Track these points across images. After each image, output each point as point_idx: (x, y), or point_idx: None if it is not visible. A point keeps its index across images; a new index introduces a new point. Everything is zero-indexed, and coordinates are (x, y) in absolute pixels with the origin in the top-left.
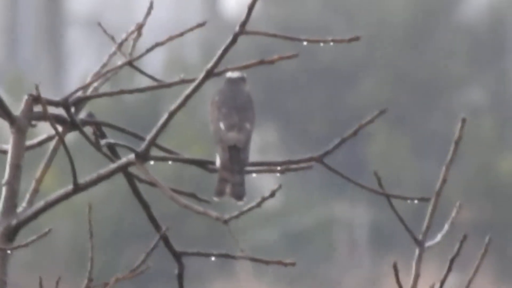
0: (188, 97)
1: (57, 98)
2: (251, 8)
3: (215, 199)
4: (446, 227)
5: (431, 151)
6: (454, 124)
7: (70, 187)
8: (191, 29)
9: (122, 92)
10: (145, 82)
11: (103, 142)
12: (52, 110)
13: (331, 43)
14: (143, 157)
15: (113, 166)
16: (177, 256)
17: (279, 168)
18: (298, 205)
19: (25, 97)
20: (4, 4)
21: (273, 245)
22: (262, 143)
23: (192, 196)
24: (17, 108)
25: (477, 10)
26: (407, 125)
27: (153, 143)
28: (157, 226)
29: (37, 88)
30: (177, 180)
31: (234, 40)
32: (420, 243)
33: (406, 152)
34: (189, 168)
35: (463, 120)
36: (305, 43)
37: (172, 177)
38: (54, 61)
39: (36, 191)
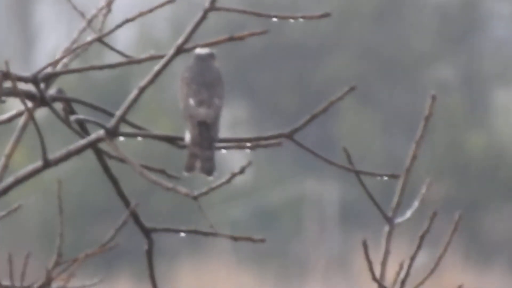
0: (158, 73)
1: (27, 74)
2: None
3: (185, 174)
4: (415, 204)
5: (399, 128)
6: (423, 101)
7: (39, 163)
8: (161, 5)
9: (92, 68)
10: (115, 58)
11: (72, 118)
12: (22, 86)
13: (301, 20)
14: (112, 133)
15: (82, 142)
16: (147, 232)
17: (248, 144)
18: (268, 182)
19: None
20: None
21: (243, 222)
22: (232, 119)
23: (162, 172)
24: None
25: None
26: (376, 102)
27: (122, 119)
28: (126, 202)
29: (6, 64)
30: (147, 156)
31: (204, 16)
32: (389, 220)
33: (374, 128)
34: (159, 144)
35: (433, 97)
36: (275, 19)
37: (141, 153)
38: (24, 36)
39: (5, 167)
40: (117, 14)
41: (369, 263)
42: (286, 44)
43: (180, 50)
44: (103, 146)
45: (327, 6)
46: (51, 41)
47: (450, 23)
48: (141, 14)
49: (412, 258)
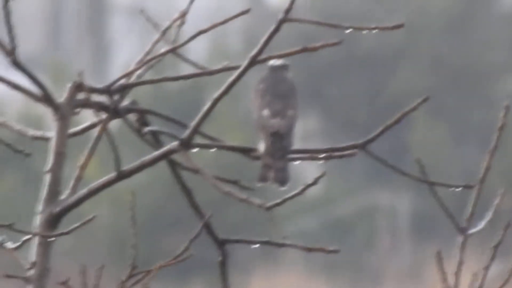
0: (231, 84)
1: (100, 85)
2: None
3: (259, 184)
4: (489, 214)
5: (471, 139)
6: (494, 112)
7: (113, 174)
8: (235, 17)
9: (165, 79)
10: (188, 70)
11: (146, 129)
12: (95, 97)
13: (374, 31)
14: (186, 144)
15: (156, 153)
16: (220, 244)
17: (322, 155)
18: (340, 193)
19: (69, 84)
20: None
21: (315, 233)
22: (305, 130)
23: (235, 183)
24: (60, 96)
25: None
26: (447, 113)
27: (196, 130)
28: (200, 213)
29: (80, 75)
30: (220, 167)
31: (277, 28)
32: (463, 231)
33: (446, 139)
34: (232, 155)
35: (507, 107)
36: (348, 30)
37: (214, 164)
38: (97, 48)
39: (79, 178)
40: (191, 25)
41: (443, 274)
42: (358, 55)
43: (253, 62)
44: (176, 157)
45: (399, 17)
46: (125, 52)
47: None
48: (214, 26)
49: (486, 269)
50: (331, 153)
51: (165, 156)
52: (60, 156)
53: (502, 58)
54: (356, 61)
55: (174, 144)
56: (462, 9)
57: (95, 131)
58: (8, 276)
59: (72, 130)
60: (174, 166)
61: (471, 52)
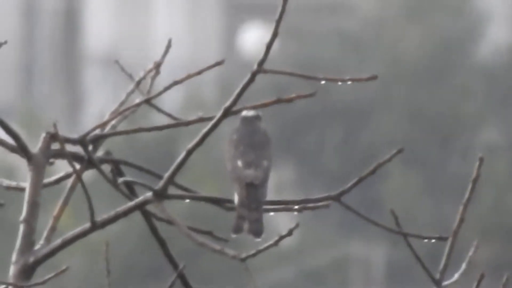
0: (205, 135)
1: (74, 135)
2: (269, 47)
3: (233, 235)
4: (463, 266)
5: (446, 189)
6: (469, 163)
7: (87, 225)
8: (209, 67)
9: (140, 130)
10: (163, 120)
11: (120, 180)
12: (69, 147)
13: (348, 82)
14: (160, 195)
15: (130, 204)
16: None
17: (296, 207)
18: (314, 243)
19: (43, 134)
20: (20, 42)
21: (290, 283)
22: (279, 181)
23: (209, 234)
24: (33, 145)
25: (494, 50)
26: (423, 163)
27: (171, 181)
28: (174, 264)
29: (54, 125)
30: (194, 218)
31: (252, 79)
32: (437, 282)
33: (421, 190)
34: (206, 206)
35: (481, 159)
36: (322, 82)
37: (189, 215)
38: (71, 98)
39: (53, 229)
40: (165, 75)
41: None
42: (333, 105)
43: (227, 113)
44: (151, 208)
45: (375, 67)
46: (98, 102)
47: (496, 85)
48: (189, 76)
49: None
50: (305, 205)
51: (139, 206)
52: (34, 206)
53: (477, 109)
54: (331, 111)
55: (148, 195)
56: (438, 60)
57: (69, 182)
58: None
59: (46, 180)
60: (148, 216)
61: (447, 102)
